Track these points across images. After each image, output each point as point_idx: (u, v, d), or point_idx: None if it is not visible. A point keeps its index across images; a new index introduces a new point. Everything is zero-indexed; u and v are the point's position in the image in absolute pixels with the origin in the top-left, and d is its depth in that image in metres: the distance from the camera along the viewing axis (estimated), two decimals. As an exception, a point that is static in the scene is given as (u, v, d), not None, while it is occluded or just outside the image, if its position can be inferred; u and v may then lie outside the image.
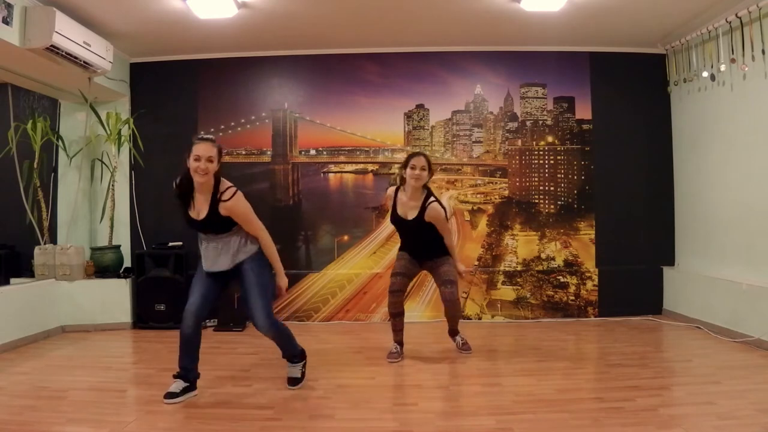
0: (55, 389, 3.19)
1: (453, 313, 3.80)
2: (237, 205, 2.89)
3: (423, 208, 3.59)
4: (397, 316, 3.82)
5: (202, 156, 2.79)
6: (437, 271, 3.75)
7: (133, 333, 4.71)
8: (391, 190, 3.79)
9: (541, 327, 4.80)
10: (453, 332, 4.00)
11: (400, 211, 3.70)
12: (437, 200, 3.65)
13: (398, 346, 3.86)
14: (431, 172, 3.66)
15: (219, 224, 2.92)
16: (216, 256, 2.97)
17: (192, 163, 2.80)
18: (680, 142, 5.13)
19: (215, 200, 2.88)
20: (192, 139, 2.88)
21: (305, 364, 3.29)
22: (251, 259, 2.99)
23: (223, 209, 2.87)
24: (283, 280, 3.08)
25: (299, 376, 3.22)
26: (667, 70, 5.13)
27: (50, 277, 4.67)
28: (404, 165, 3.65)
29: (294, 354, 3.23)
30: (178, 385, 2.98)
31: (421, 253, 3.78)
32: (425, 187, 3.66)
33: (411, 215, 3.64)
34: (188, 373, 3.02)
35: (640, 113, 5.22)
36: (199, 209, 2.92)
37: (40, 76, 4.50)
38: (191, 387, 3.03)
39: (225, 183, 2.95)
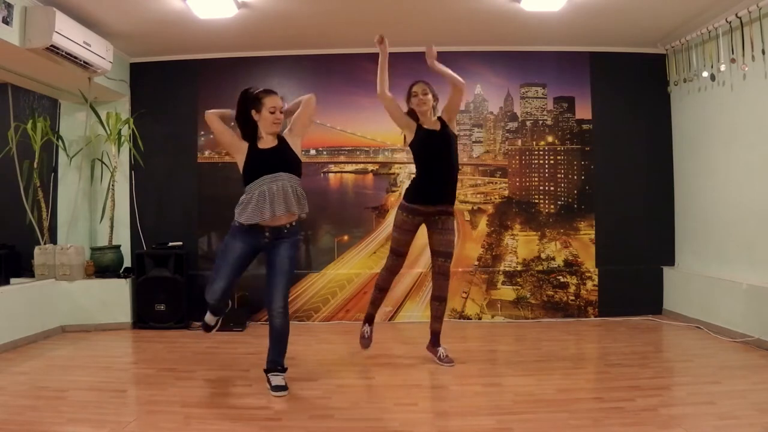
0: (55, 389, 3.18)
1: (440, 292, 3.59)
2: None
3: (442, 121, 3.61)
4: (384, 290, 3.80)
5: (276, 107, 3.08)
6: (439, 237, 3.57)
7: (133, 333, 4.70)
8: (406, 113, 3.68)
9: (541, 327, 4.80)
10: (435, 336, 3.68)
11: (426, 126, 3.60)
12: None
13: (370, 328, 3.80)
14: (436, 99, 3.66)
15: (292, 155, 3.11)
16: (285, 197, 3.00)
17: (268, 116, 3.05)
18: (680, 142, 5.13)
19: (282, 137, 3.16)
20: (255, 93, 3.08)
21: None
22: (295, 239, 3.13)
23: (288, 132, 3.18)
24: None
25: (284, 384, 3.06)
26: (667, 70, 5.13)
27: (50, 277, 4.66)
28: (408, 97, 3.68)
29: (281, 361, 3.13)
30: (210, 318, 3.44)
31: (440, 189, 3.53)
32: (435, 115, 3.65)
33: (437, 127, 3.58)
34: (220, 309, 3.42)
35: (640, 113, 5.22)
36: (266, 143, 3.12)
37: (40, 76, 4.50)
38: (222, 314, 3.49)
39: None
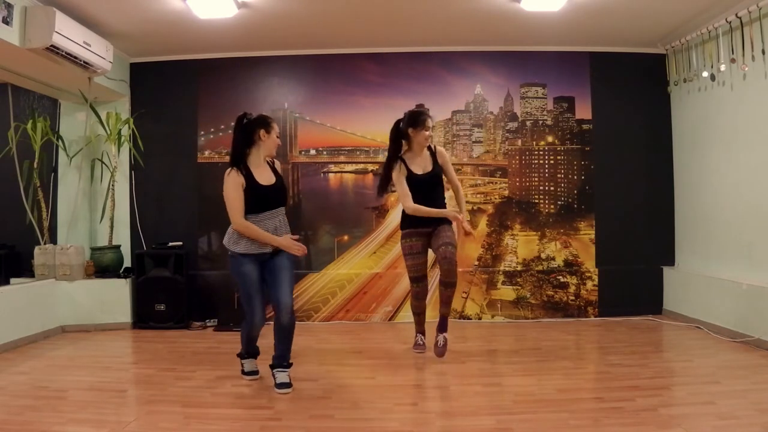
0: (55, 389, 3.19)
1: (447, 278, 3.56)
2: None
3: (433, 155, 3.73)
4: (420, 314, 3.96)
5: (279, 133, 3.27)
6: (439, 235, 3.63)
7: (133, 333, 4.70)
8: (397, 166, 3.67)
9: (541, 327, 4.80)
10: (441, 320, 3.70)
11: (417, 170, 3.68)
12: None
13: (423, 337, 3.96)
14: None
15: (284, 189, 3.28)
16: (280, 233, 3.17)
17: (275, 139, 3.21)
18: (680, 142, 5.13)
19: (272, 166, 3.27)
20: (262, 115, 3.24)
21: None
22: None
23: (278, 166, 3.32)
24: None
25: (289, 380, 3.12)
26: (667, 70, 5.12)
27: (50, 277, 4.66)
28: (411, 124, 3.65)
29: (288, 357, 3.16)
30: (251, 364, 3.38)
31: (432, 219, 3.66)
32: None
33: (428, 168, 3.69)
34: (254, 353, 3.40)
35: (640, 113, 5.22)
36: (264, 175, 3.18)
37: (40, 76, 4.50)
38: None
39: None
